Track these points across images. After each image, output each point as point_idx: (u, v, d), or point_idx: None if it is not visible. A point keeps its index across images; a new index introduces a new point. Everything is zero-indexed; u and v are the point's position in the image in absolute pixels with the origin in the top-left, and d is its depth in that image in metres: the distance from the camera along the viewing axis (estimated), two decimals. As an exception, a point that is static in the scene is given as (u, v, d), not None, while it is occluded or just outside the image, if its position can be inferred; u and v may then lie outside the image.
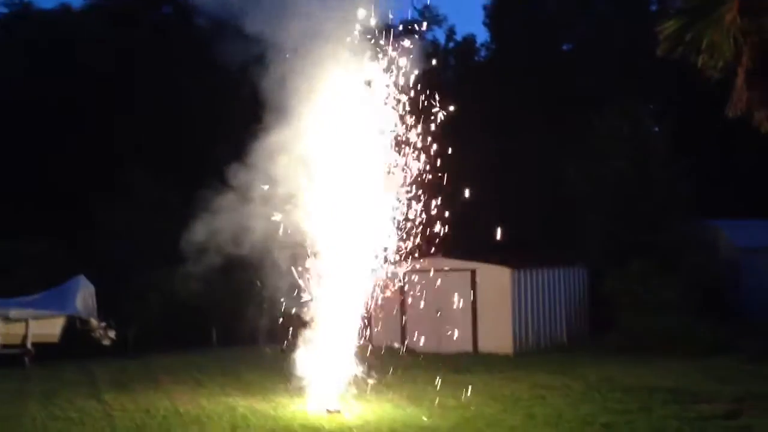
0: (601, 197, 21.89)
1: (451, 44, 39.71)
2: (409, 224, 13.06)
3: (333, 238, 12.38)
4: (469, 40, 39.57)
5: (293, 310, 13.16)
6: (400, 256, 13.23)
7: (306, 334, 12.67)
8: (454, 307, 17.61)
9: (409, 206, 12.99)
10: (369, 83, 12.71)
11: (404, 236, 12.95)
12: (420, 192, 12.92)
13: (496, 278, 18.66)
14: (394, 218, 12.68)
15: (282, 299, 13.03)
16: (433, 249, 14.56)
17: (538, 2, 37.20)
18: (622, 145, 22.03)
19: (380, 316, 16.93)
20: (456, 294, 18.51)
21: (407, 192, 12.99)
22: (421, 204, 13.04)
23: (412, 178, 13.05)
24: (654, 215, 21.39)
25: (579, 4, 35.65)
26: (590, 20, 35.64)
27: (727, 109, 12.70)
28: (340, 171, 12.41)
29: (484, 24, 38.80)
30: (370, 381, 13.68)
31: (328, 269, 12.43)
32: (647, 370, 15.24)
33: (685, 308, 18.71)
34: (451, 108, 12.99)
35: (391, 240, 12.69)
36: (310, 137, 12.41)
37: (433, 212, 13.31)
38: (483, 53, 39.89)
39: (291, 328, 13.07)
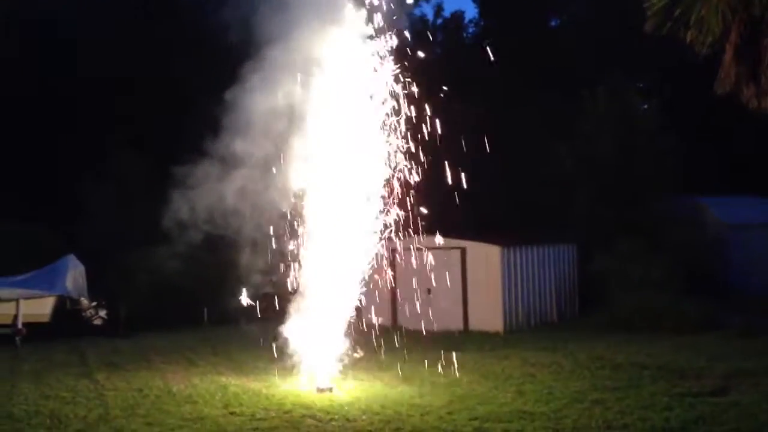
0: (589, 175, 21.94)
1: (440, 20, 39.57)
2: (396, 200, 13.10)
3: (320, 212, 12.38)
4: (458, 16, 39.43)
5: (268, 288, 13.21)
6: (389, 233, 13.27)
7: (290, 311, 12.70)
8: (444, 284, 17.69)
9: (395, 182, 13.00)
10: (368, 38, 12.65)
11: (391, 212, 12.97)
12: (406, 167, 12.84)
13: (485, 256, 18.72)
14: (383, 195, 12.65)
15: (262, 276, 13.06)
16: (421, 226, 14.67)
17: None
18: (610, 123, 22.05)
19: (372, 293, 17.09)
20: (446, 272, 18.61)
21: (394, 168, 12.99)
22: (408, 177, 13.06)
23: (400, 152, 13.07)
24: (641, 193, 21.48)
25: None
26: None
27: (715, 85, 12.66)
28: (327, 140, 12.40)
29: (473, 0, 38.71)
30: (361, 359, 13.85)
31: (316, 243, 12.42)
32: (636, 347, 15.33)
33: (673, 285, 18.84)
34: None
35: (379, 215, 12.70)
36: (298, 106, 12.44)
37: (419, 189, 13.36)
38: (471, 30, 39.84)
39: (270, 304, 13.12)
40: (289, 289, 12.89)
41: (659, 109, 23.60)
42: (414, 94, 13.06)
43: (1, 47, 26.58)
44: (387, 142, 12.79)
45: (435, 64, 35.80)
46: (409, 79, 12.89)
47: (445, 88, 13.43)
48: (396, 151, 12.89)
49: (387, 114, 12.79)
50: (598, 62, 28.03)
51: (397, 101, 12.88)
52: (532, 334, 17.93)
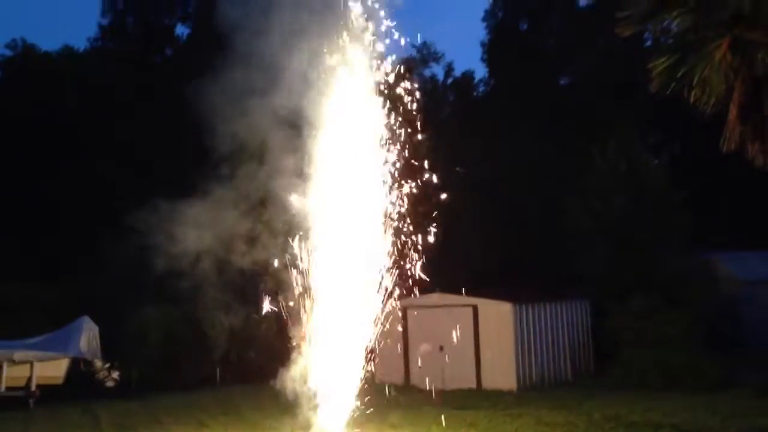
0: (602, 232, 21.97)
1: (450, 80, 40.27)
2: (406, 259, 13.22)
3: (329, 272, 12.51)
4: (468, 75, 40.14)
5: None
6: (399, 291, 13.37)
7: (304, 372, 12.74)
8: (456, 343, 17.67)
9: (406, 240, 13.14)
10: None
11: (400, 271, 13.08)
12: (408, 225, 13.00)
13: (497, 314, 18.68)
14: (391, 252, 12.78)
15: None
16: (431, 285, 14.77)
17: (536, 38, 37.81)
18: (621, 180, 22.17)
19: (383, 352, 17.11)
20: (458, 330, 18.63)
21: (404, 225, 13.15)
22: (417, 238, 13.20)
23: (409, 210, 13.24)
24: (654, 249, 21.44)
25: (577, 40, 36.17)
26: (588, 55, 36.10)
27: (721, 143, 12.84)
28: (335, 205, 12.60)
29: (482, 60, 39.43)
30: (372, 418, 13.82)
31: (326, 304, 12.52)
32: (652, 406, 15.14)
33: (688, 342, 18.68)
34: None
35: (388, 274, 12.81)
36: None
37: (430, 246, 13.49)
38: (481, 88, 40.50)
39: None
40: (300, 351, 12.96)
41: (669, 164, 23.79)
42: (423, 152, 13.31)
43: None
44: (394, 202, 12.98)
45: (446, 122, 36.63)
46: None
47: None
48: (402, 211, 13.04)
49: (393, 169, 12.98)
50: (607, 119, 28.32)
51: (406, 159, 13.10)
52: (546, 393, 17.74)
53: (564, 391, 17.74)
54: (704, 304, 20.51)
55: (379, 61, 13.13)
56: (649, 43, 33.20)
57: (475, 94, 40.53)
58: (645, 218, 21.87)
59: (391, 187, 13.10)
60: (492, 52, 38.38)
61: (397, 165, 13.02)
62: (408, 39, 13.61)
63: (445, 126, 35.49)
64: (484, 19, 38.33)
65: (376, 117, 13.06)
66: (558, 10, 37.18)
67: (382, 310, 13.06)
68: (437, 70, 39.79)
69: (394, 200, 13.21)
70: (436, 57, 38.29)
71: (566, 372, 19.96)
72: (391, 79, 13.07)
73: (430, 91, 40.76)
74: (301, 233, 12.66)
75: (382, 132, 12.95)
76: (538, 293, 20.49)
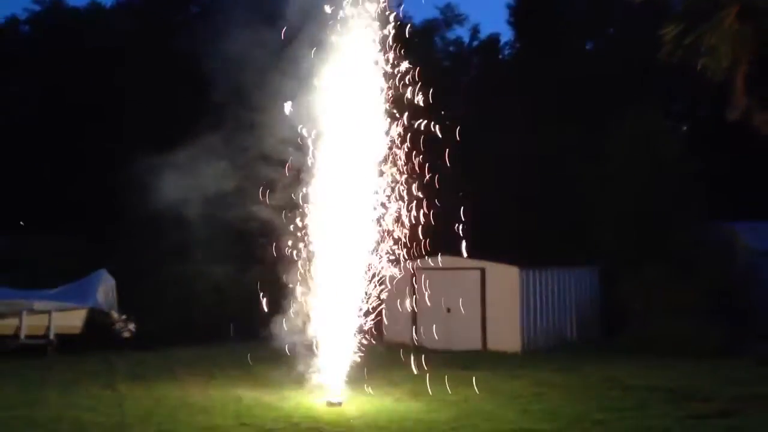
0: (615, 199, 21.96)
1: (475, 43, 39.97)
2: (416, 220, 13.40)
3: (334, 227, 12.73)
4: (493, 38, 39.77)
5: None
6: (409, 252, 13.58)
7: (310, 329, 13.07)
8: (463, 305, 17.92)
9: (418, 202, 13.30)
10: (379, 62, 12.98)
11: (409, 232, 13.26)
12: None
13: (504, 277, 18.92)
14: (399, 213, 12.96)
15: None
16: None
17: (564, 1, 37.33)
18: (637, 149, 22.06)
19: (392, 312, 17.42)
20: (465, 292, 18.89)
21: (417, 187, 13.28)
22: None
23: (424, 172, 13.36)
24: (668, 217, 21.41)
25: (605, 3, 35.64)
26: (616, 19, 35.60)
27: (727, 111, 12.86)
28: (344, 159, 12.76)
29: (508, 23, 39.01)
30: (376, 376, 14.19)
31: (330, 258, 12.77)
32: (652, 370, 15.37)
33: (697, 311, 18.77)
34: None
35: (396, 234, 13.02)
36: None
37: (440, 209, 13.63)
38: (507, 52, 40.16)
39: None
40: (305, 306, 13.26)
41: (690, 132, 23.55)
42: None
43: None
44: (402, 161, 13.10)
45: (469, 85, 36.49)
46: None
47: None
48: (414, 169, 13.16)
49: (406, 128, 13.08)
50: (630, 85, 28.06)
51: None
52: (549, 356, 18.01)
53: (568, 355, 17.98)
54: (717, 273, 20.51)
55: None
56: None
57: (500, 57, 40.19)
58: (660, 187, 21.80)
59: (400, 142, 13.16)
60: (518, 14, 37.94)
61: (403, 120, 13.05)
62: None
63: (469, 89, 35.56)
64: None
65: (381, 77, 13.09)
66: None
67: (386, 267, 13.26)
68: (462, 33, 39.47)
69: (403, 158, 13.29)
70: (459, 19, 37.91)
71: (572, 337, 20.20)
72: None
73: (455, 54, 40.62)
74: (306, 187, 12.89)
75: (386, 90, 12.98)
76: (548, 259, 20.64)
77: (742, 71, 12.32)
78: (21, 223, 27.47)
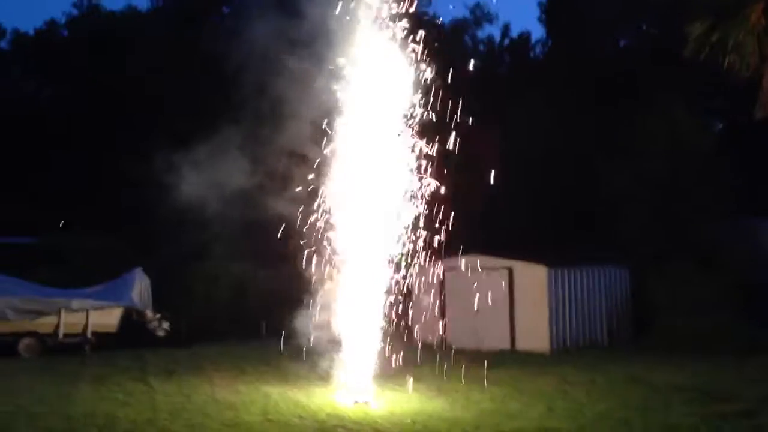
0: (642, 195, 21.85)
1: (506, 41, 39.89)
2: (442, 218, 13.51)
3: (361, 226, 12.88)
4: (525, 36, 39.68)
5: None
6: (433, 251, 13.71)
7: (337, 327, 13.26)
8: (492, 304, 17.97)
9: (444, 199, 13.40)
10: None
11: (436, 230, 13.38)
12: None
13: (533, 276, 18.94)
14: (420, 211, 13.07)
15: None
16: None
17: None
18: (663, 145, 21.93)
19: (421, 311, 17.60)
20: (494, 291, 18.93)
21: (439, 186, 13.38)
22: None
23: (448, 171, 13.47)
24: (695, 213, 21.26)
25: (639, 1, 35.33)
26: (647, 16, 35.28)
27: (756, 109, 12.77)
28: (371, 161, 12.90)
29: (539, 20, 38.95)
30: (404, 375, 14.36)
31: (358, 257, 12.93)
32: (678, 369, 15.30)
33: (725, 308, 18.65)
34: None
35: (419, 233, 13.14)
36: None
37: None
38: (538, 50, 40.03)
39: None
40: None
41: (728, 129, 23.26)
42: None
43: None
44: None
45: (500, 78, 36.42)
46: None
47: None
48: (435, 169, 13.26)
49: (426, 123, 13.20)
50: (665, 82, 27.82)
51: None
52: (578, 355, 18.01)
53: (596, 354, 18.01)
54: (743, 270, 20.34)
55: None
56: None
57: (531, 55, 40.08)
58: (687, 184, 21.65)
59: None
60: (550, 11, 37.81)
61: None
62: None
63: (500, 86, 35.48)
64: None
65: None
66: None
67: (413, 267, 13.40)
68: (494, 31, 39.43)
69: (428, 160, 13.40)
70: (489, 18, 37.89)
71: (601, 336, 20.15)
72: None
73: (486, 52, 40.57)
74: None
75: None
76: (576, 257, 20.60)
77: (769, 69, 12.23)
78: (62, 222, 28.17)
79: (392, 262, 13.07)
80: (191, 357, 17.94)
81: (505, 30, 39.38)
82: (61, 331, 18.92)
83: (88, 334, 19.03)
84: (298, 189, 13.17)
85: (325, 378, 13.84)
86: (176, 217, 23.39)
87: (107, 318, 19.37)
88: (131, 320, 19.85)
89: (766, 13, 12.03)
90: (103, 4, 37.24)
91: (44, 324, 18.86)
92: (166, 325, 20.38)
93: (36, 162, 30.00)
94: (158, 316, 20.28)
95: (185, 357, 17.96)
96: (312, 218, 13.29)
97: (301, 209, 13.15)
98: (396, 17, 13.14)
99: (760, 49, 12.25)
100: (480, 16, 37.68)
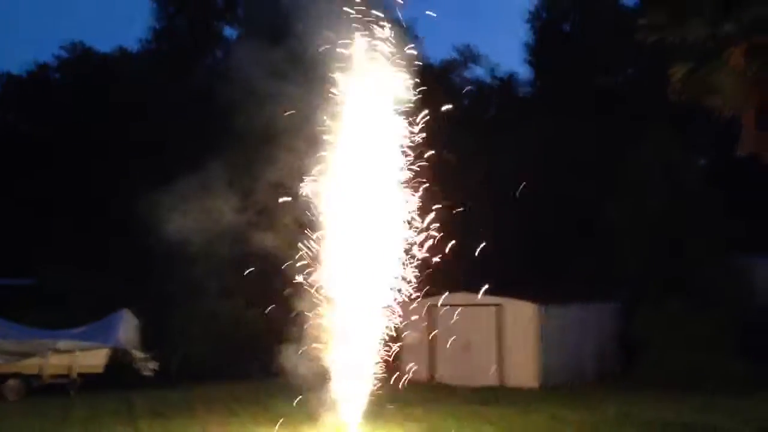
0: (636, 233, 21.98)
1: (495, 82, 40.38)
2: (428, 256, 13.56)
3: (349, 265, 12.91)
4: (512, 77, 40.18)
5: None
6: (421, 289, 13.75)
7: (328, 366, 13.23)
8: (480, 341, 18.02)
9: (431, 239, 13.46)
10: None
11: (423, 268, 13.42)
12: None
13: (522, 314, 18.99)
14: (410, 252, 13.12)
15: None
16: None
17: (581, 38, 37.69)
18: (656, 181, 22.14)
19: (409, 349, 17.56)
20: (483, 328, 19.00)
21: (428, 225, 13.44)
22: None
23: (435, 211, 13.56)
24: (690, 252, 21.39)
25: (623, 40, 35.88)
26: (634, 56, 35.84)
27: (737, 147, 13.00)
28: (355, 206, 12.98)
29: (526, 62, 39.44)
30: (394, 411, 14.35)
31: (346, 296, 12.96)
32: (670, 406, 15.33)
33: (718, 346, 18.71)
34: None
35: (408, 270, 13.17)
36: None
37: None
38: (527, 89, 40.53)
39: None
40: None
41: (711, 164, 23.49)
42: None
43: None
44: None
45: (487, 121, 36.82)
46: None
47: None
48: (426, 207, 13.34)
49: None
50: (651, 119, 28.18)
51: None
52: (567, 392, 17.95)
53: (586, 391, 17.94)
54: (738, 308, 20.42)
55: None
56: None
57: (519, 95, 40.58)
58: (680, 220, 21.81)
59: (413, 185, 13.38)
60: (536, 53, 38.38)
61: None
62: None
63: (488, 126, 35.87)
64: (528, 20, 38.36)
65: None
66: (603, 10, 36.91)
67: (401, 306, 13.41)
68: (481, 73, 39.99)
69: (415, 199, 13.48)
70: (477, 59, 38.47)
71: (591, 372, 20.11)
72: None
73: (475, 92, 41.06)
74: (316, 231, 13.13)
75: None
76: (566, 293, 20.68)
77: (751, 108, 12.47)
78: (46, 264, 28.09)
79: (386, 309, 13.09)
80: (180, 398, 17.81)
81: (493, 71, 39.86)
82: (46, 372, 18.75)
83: (74, 375, 18.86)
84: (286, 223, 13.22)
85: (315, 417, 13.76)
86: (165, 256, 23.54)
87: (93, 359, 19.19)
88: (118, 360, 19.68)
89: (746, 56, 12.28)
90: (95, 46, 37.11)
91: (29, 365, 18.66)
92: (153, 365, 20.19)
93: (26, 201, 29.98)
94: (145, 356, 20.12)
95: (174, 398, 17.82)
96: (300, 255, 13.36)
97: (289, 244, 13.21)
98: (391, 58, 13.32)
99: (741, 89, 12.48)
100: (468, 56, 38.22)
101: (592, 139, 29.50)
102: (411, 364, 16.91)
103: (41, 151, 31.45)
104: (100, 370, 19.13)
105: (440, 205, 13.23)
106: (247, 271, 16.65)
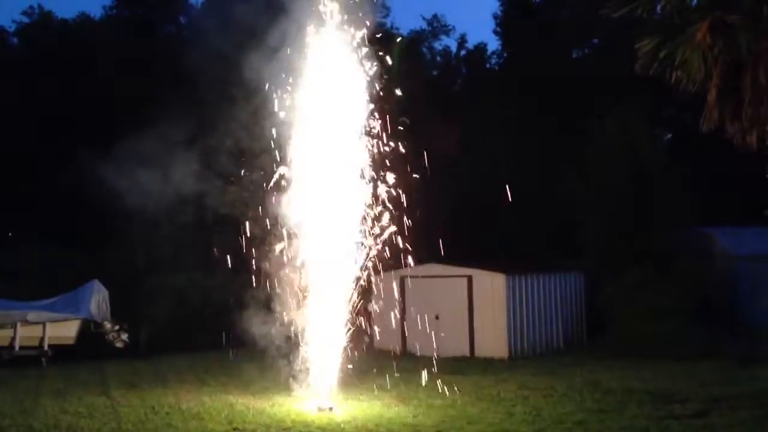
0: (599, 205, 22.40)
1: (463, 52, 40.46)
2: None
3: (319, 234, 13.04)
4: (481, 48, 40.29)
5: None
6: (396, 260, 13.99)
7: (300, 335, 13.43)
8: (451, 312, 18.30)
9: (400, 208, 13.64)
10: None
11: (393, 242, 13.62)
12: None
13: (491, 284, 19.29)
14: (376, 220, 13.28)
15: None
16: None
17: (549, 10, 37.87)
18: (619, 156, 22.51)
19: (382, 320, 17.85)
20: (453, 299, 19.30)
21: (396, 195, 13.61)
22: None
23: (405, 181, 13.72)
24: (650, 224, 21.86)
25: (589, 14, 36.07)
26: (602, 28, 36.09)
27: (701, 122, 13.26)
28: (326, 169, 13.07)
29: (494, 32, 39.55)
30: (366, 381, 14.63)
31: (317, 267, 13.10)
32: (634, 373, 15.79)
33: (679, 314, 19.22)
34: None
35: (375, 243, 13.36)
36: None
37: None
38: (494, 61, 40.69)
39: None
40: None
41: (674, 138, 23.94)
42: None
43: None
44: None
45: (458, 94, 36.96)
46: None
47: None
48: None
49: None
50: (617, 92, 28.50)
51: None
52: (536, 361, 18.41)
53: (554, 360, 18.41)
54: (696, 277, 20.98)
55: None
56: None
57: (487, 66, 40.71)
58: (642, 194, 22.26)
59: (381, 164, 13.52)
60: (505, 24, 38.49)
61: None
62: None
63: (456, 98, 36.00)
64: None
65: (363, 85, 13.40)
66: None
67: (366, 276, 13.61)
68: (450, 43, 40.05)
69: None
70: (446, 30, 38.47)
71: (559, 341, 20.61)
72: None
73: (443, 64, 41.10)
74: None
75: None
76: (533, 264, 21.05)
77: (714, 84, 12.71)
78: (9, 234, 27.78)
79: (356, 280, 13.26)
80: (152, 368, 17.92)
81: (461, 42, 39.91)
82: (17, 344, 18.69)
83: (45, 347, 18.83)
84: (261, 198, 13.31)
85: (287, 386, 13.99)
86: (130, 227, 23.44)
87: (65, 330, 19.19)
88: (89, 332, 19.68)
89: (711, 32, 12.49)
90: (56, 12, 36.55)
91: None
92: (124, 336, 20.26)
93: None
94: (117, 327, 20.15)
95: (146, 368, 17.93)
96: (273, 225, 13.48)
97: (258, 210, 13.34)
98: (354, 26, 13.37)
99: (705, 65, 12.70)
100: (437, 27, 38.22)
101: (557, 112, 29.85)
102: (378, 330, 17.37)
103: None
104: (72, 341, 19.14)
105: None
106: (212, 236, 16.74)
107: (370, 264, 13.38)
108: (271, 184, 13.51)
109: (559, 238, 23.51)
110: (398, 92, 13.58)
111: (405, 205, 13.70)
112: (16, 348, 18.70)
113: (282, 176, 13.38)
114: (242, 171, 15.85)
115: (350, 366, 13.97)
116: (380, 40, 13.70)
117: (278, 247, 13.39)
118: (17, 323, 18.63)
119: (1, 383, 15.83)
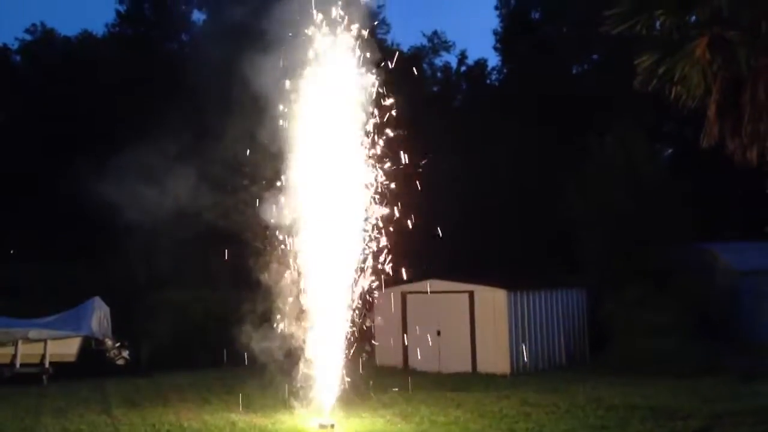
0: (599, 222, 22.41)
1: (463, 68, 40.63)
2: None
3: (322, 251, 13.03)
4: (481, 64, 40.45)
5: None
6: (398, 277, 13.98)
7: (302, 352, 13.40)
8: (453, 328, 18.28)
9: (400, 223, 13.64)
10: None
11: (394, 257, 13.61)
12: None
13: (493, 300, 19.27)
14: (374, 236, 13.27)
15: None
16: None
17: (549, 27, 38.07)
18: (619, 171, 22.55)
19: (383, 336, 17.84)
20: (455, 315, 19.29)
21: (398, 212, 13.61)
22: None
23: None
24: (650, 240, 21.85)
25: (591, 29, 36.20)
26: (601, 45, 36.26)
27: (701, 138, 13.29)
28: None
29: (494, 48, 39.75)
30: (367, 398, 14.59)
31: (319, 284, 13.08)
32: (636, 389, 15.71)
33: (680, 330, 19.18)
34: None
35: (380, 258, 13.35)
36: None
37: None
38: (494, 77, 40.86)
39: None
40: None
41: (675, 154, 23.96)
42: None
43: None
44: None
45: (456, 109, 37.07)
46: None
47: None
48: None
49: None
50: (617, 108, 28.58)
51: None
52: (538, 377, 18.34)
53: (556, 376, 18.32)
54: (697, 293, 20.95)
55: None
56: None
57: (488, 82, 40.87)
58: (643, 210, 22.27)
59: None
60: (505, 40, 38.68)
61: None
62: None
63: (456, 113, 36.11)
64: (497, 8, 38.66)
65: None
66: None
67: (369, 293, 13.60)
68: (450, 59, 40.18)
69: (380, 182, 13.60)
70: (447, 46, 38.66)
71: (560, 358, 20.54)
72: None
73: (443, 79, 41.26)
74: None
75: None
76: (535, 280, 21.03)
77: (714, 100, 12.75)
78: (11, 251, 27.79)
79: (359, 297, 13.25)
80: (153, 386, 17.85)
81: (462, 58, 40.08)
82: (18, 361, 18.67)
83: (47, 364, 18.80)
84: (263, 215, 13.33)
85: (289, 404, 13.95)
86: (131, 242, 23.46)
87: (66, 347, 19.16)
88: (90, 349, 19.65)
89: (710, 48, 12.55)
90: (58, 30, 36.71)
91: (1, 354, 18.58)
92: (126, 353, 20.24)
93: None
94: (118, 344, 20.13)
95: (147, 386, 17.86)
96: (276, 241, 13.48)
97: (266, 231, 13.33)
98: (356, 41, 13.42)
99: (704, 81, 12.75)
100: (437, 44, 38.44)
101: (557, 128, 29.93)
102: (379, 346, 17.29)
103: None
104: (73, 359, 19.11)
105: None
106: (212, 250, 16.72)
107: (371, 280, 13.35)
108: (271, 197, 13.53)
109: (559, 247, 23.49)
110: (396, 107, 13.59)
111: (406, 220, 13.71)
112: (17, 365, 18.67)
113: (282, 189, 13.41)
114: (244, 181, 15.88)
115: (351, 382, 13.92)
116: (381, 53, 13.74)
117: (279, 262, 13.39)
118: (18, 341, 18.60)
119: (2, 401, 15.79)
